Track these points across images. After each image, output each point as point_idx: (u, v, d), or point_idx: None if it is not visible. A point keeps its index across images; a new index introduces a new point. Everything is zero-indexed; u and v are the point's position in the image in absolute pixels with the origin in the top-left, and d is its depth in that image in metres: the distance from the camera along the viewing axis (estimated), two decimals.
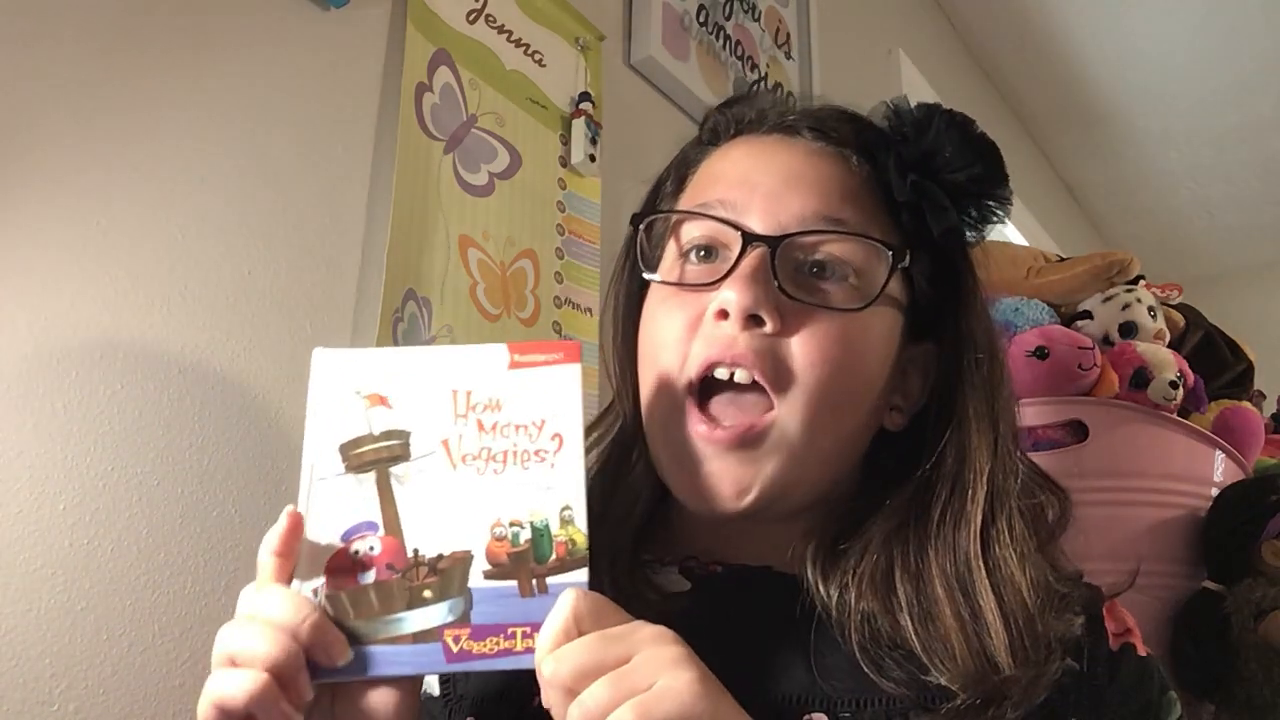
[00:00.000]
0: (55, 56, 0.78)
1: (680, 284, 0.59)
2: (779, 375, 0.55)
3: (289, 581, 0.45)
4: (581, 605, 0.43)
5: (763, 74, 1.65)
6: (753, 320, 0.55)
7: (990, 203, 0.61)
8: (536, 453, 0.46)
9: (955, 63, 2.63)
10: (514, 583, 0.44)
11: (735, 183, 0.60)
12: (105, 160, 0.80)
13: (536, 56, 1.22)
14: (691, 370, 0.57)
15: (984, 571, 0.55)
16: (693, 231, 0.60)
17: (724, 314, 0.55)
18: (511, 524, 0.45)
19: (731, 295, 0.55)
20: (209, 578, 0.79)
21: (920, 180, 0.58)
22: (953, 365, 0.61)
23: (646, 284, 0.63)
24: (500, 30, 1.18)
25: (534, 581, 0.45)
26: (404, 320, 0.97)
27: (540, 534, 0.45)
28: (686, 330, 0.58)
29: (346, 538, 0.45)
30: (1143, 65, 2.69)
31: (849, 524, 0.59)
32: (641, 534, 0.62)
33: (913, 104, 0.62)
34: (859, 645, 0.53)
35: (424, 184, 1.03)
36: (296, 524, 0.45)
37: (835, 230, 0.57)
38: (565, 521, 0.46)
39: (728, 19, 1.60)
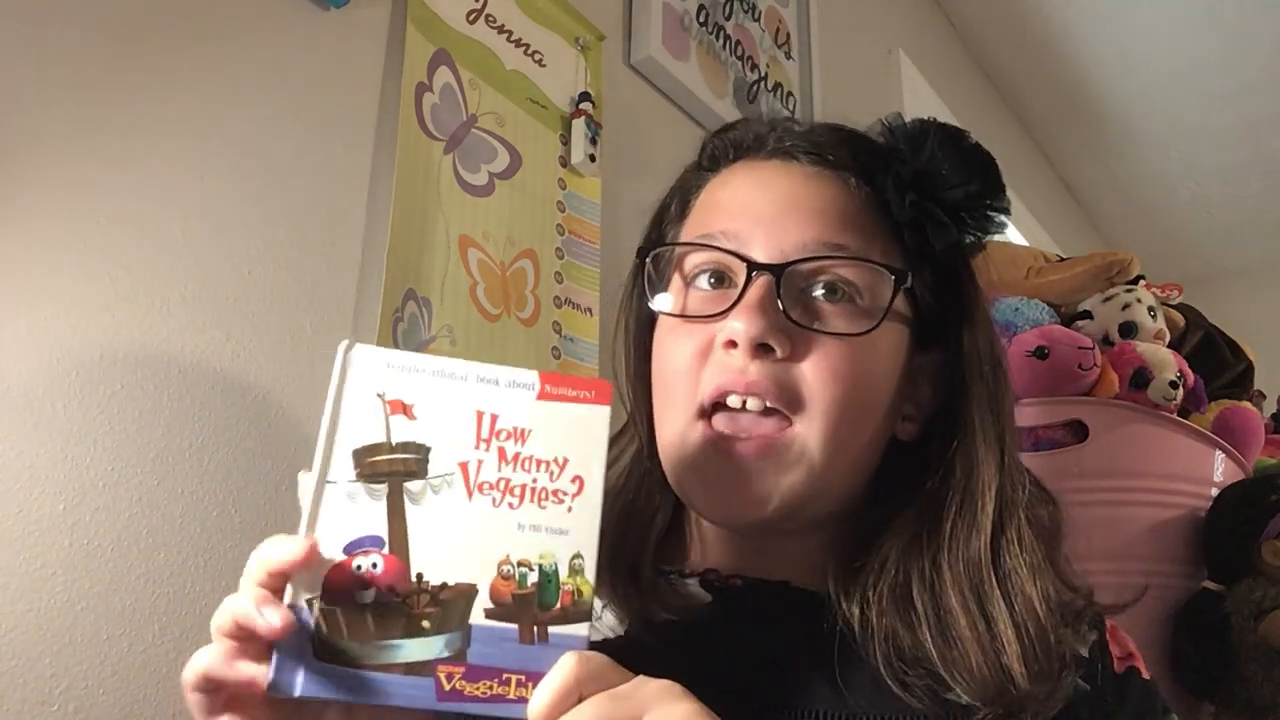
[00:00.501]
0: (55, 55, 0.78)
1: (688, 316, 0.60)
2: (793, 400, 0.56)
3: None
4: (583, 668, 0.42)
5: (763, 74, 1.65)
6: (762, 349, 0.56)
7: (990, 214, 0.61)
8: (555, 493, 0.45)
9: (955, 63, 2.63)
10: (515, 626, 0.43)
11: (737, 212, 0.60)
12: (105, 159, 0.80)
13: (536, 56, 1.22)
14: (704, 395, 0.57)
15: (995, 581, 0.56)
16: (697, 261, 0.61)
17: (733, 344, 0.56)
18: (520, 564, 0.44)
19: (739, 325, 0.55)
20: (209, 578, 0.79)
21: (919, 199, 0.59)
22: (958, 375, 0.62)
23: (655, 312, 0.64)
24: (500, 30, 1.18)
25: (535, 629, 0.43)
26: (404, 320, 0.97)
27: (548, 579, 0.44)
28: (696, 359, 0.58)
29: (350, 551, 0.43)
30: (1143, 65, 2.69)
31: (866, 538, 0.59)
32: (662, 547, 0.63)
33: (908, 119, 0.63)
34: (883, 662, 0.54)
35: (424, 184, 1.03)
36: (313, 555, 0.42)
37: (837, 255, 0.58)
38: (574, 570, 0.44)
39: (728, 19, 1.60)
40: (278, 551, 0.42)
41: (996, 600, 0.55)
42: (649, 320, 0.65)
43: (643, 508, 0.63)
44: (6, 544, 0.69)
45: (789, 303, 0.56)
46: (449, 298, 1.03)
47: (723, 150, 0.66)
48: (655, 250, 0.65)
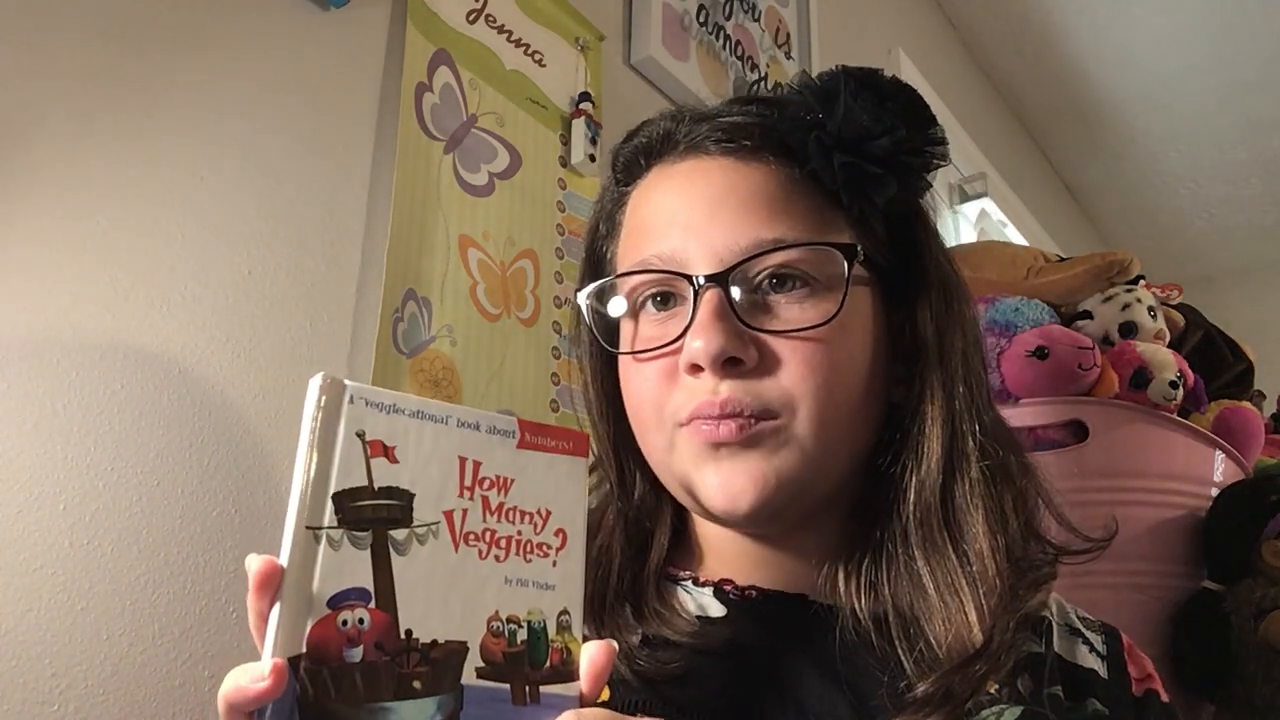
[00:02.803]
0: (56, 55, 0.78)
1: (646, 350, 0.57)
2: (771, 409, 0.54)
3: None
4: None
5: (763, 74, 1.65)
6: (729, 363, 0.53)
7: (927, 150, 0.58)
8: (540, 546, 0.44)
9: (955, 63, 2.63)
10: (507, 686, 0.41)
11: (665, 229, 0.58)
12: (106, 159, 0.80)
13: (536, 56, 1.22)
14: (680, 419, 0.55)
15: (950, 545, 0.54)
16: (641, 289, 0.59)
17: (697, 367, 0.54)
18: (509, 620, 0.42)
19: (699, 344, 0.53)
20: (209, 578, 0.79)
21: (848, 160, 0.56)
22: (910, 326, 0.59)
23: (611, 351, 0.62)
24: (500, 30, 1.18)
25: (527, 689, 0.42)
26: (404, 320, 0.97)
27: (537, 636, 0.42)
28: (662, 385, 0.56)
29: (334, 604, 0.40)
30: (1143, 65, 2.69)
31: (864, 531, 0.58)
32: (670, 556, 0.61)
33: (815, 73, 0.60)
34: (898, 664, 0.53)
35: (424, 184, 1.03)
36: (279, 678, 0.37)
37: (777, 249, 0.55)
38: (562, 627, 0.43)
39: (728, 19, 1.60)
40: (242, 690, 0.37)
41: (954, 566, 0.54)
42: (607, 356, 0.62)
43: (638, 533, 0.61)
44: (6, 544, 0.69)
45: (743, 308, 0.54)
46: (449, 298, 1.03)
47: (633, 159, 0.63)
48: (591, 289, 0.61)
